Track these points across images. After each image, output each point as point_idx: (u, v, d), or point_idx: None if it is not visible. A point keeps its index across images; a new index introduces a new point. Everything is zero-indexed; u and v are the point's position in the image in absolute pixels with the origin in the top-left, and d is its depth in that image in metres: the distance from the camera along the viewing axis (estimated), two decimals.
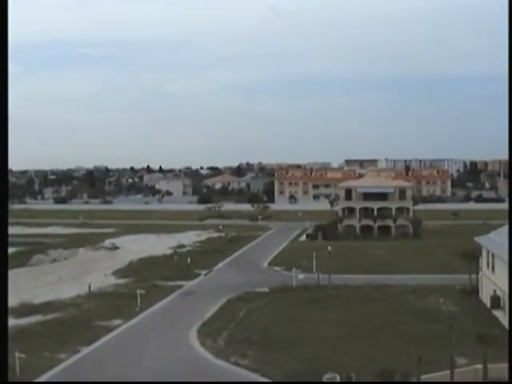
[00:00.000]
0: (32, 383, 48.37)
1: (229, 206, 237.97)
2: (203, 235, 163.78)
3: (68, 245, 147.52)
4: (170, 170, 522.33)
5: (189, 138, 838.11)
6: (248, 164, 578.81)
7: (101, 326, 71.36)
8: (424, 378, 47.84)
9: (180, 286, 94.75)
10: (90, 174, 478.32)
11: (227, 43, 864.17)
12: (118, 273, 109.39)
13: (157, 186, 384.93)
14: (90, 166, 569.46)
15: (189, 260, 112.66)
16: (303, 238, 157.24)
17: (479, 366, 51.84)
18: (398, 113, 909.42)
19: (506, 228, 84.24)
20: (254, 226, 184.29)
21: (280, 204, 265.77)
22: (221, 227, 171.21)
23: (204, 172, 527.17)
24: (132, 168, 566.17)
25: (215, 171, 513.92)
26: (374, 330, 68.65)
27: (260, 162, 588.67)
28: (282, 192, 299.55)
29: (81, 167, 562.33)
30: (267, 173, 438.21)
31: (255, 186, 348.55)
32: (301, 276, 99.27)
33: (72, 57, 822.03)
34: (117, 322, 73.65)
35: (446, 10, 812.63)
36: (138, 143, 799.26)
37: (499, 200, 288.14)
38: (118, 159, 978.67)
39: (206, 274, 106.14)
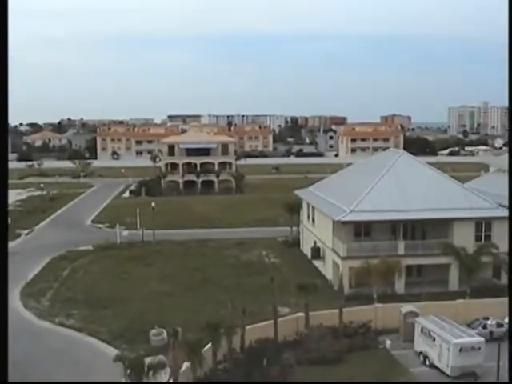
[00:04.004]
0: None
1: (50, 164, 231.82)
2: (23, 194, 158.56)
3: None
4: None
5: None
6: (69, 120, 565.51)
7: None
8: (248, 328, 48.93)
9: None
10: None
11: None
12: None
13: None
14: None
15: (9, 220, 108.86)
16: (127, 194, 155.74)
17: (301, 314, 53.68)
18: (220, 69, 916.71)
19: (325, 181, 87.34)
20: (77, 184, 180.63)
21: (103, 160, 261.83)
22: (42, 185, 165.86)
23: (23, 129, 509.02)
24: None
25: (35, 128, 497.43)
26: (199, 285, 69.66)
27: (82, 118, 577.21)
28: (104, 148, 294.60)
29: None
30: (89, 129, 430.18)
31: (77, 143, 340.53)
32: (125, 233, 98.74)
33: None
34: None
35: None
36: None
37: (319, 154, 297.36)
38: None
39: (27, 234, 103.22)
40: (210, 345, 44.96)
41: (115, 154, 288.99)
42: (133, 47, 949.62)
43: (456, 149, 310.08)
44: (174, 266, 78.98)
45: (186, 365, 42.99)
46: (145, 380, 39.41)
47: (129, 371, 39.53)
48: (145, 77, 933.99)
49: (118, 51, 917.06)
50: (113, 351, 49.49)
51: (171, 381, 42.03)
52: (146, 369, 39.69)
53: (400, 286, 65.15)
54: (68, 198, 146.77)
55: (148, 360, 41.61)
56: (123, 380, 40.23)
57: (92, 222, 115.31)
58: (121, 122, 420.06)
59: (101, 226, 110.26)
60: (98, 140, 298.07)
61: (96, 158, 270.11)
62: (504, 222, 67.80)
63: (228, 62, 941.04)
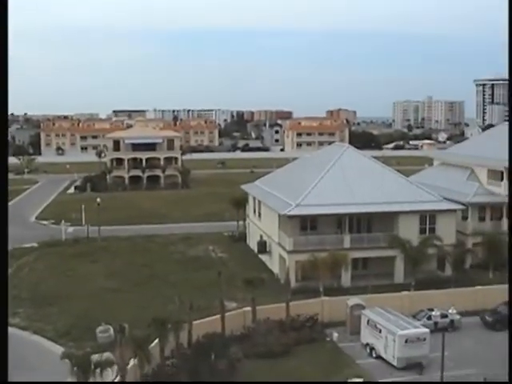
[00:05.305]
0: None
1: None
2: None
3: None
4: None
5: None
6: (12, 115, 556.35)
7: None
8: (196, 323, 48.92)
9: None
10: None
11: None
12: None
13: None
14: None
15: None
16: (72, 190, 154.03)
17: (248, 308, 53.83)
18: (166, 64, 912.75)
19: (271, 175, 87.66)
20: (20, 180, 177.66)
21: (47, 156, 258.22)
22: None
23: None
24: None
25: None
26: (146, 281, 69.33)
27: (25, 114, 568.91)
28: (48, 144, 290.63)
29: None
30: (33, 124, 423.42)
31: (20, 138, 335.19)
32: (70, 229, 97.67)
33: None
34: None
35: None
36: None
37: (264, 149, 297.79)
38: None
39: None
40: (157, 341, 44.82)
41: (60, 150, 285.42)
42: (78, 41, 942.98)
43: (401, 143, 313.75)
44: (121, 262, 78.45)
45: (133, 361, 42.76)
46: (91, 378, 39.12)
47: (75, 369, 39.20)
48: (90, 72, 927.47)
49: (63, 45, 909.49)
50: (59, 349, 49.02)
51: (118, 378, 41.77)
52: (92, 366, 39.42)
53: (346, 279, 65.71)
54: (12, 194, 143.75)
55: (95, 357, 41.28)
56: (69, 379, 39.84)
57: (36, 218, 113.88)
58: (65, 117, 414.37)
59: (45, 222, 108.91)
60: (42, 135, 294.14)
61: (40, 154, 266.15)
62: (448, 214, 69.00)
63: (174, 56, 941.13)
